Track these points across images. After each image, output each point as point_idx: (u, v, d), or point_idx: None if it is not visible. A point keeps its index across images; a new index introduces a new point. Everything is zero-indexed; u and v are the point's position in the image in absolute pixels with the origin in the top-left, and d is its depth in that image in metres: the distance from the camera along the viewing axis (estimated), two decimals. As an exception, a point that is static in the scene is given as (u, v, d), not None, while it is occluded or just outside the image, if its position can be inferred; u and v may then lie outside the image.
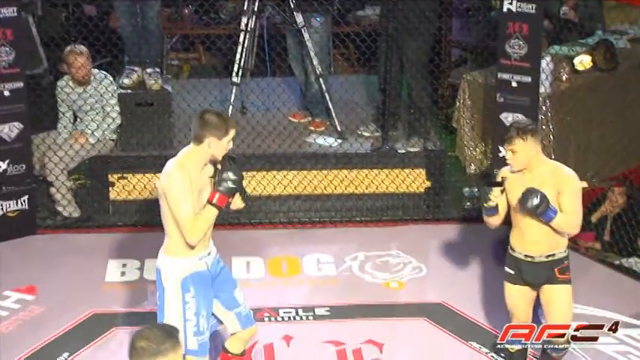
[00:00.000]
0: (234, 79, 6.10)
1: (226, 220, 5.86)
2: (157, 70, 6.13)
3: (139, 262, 5.45)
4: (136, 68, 6.10)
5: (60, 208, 5.90)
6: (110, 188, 5.93)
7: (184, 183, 3.64)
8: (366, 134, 6.27)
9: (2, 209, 5.67)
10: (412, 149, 6.11)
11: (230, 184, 3.70)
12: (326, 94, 6.20)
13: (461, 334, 4.79)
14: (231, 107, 6.05)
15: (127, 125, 5.98)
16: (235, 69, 6.10)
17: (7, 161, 5.61)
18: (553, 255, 4.09)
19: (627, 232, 5.85)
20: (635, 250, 5.81)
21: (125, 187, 5.94)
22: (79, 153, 5.86)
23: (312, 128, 6.37)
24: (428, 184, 6.07)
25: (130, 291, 5.19)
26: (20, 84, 5.59)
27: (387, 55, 5.95)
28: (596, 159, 6.41)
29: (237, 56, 6.09)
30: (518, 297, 4.20)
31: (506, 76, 5.77)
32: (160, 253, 3.82)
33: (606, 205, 6.07)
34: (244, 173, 3.86)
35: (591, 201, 6.25)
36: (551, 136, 6.05)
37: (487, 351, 4.63)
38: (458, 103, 6.66)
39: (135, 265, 5.45)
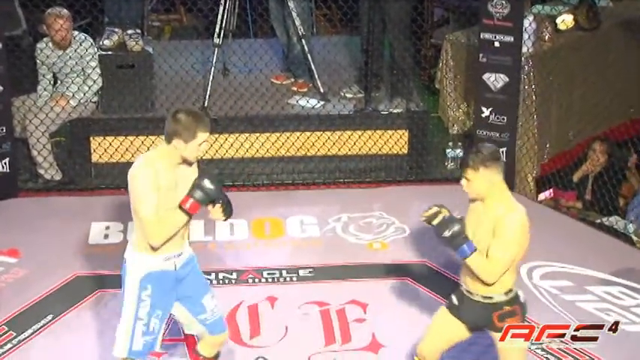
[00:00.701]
0: (216, 40, 6.05)
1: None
2: (138, 31, 6.07)
3: (122, 224, 5.44)
4: (117, 29, 6.04)
5: (41, 171, 5.87)
6: (92, 151, 5.90)
7: (148, 181, 3.44)
8: (349, 95, 6.25)
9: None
10: (395, 110, 6.11)
11: (203, 194, 3.49)
12: (308, 55, 6.17)
13: (444, 293, 4.80)
14: (212, 69, 6.01)
15: (108, 87, 5.93)
16: (217, 30, 6.04)
17: (-14, 124, 5.57)
18: (490, 297, 3.59)
19: (608, 191, 5.90)
20: (615, 208, 5.86)
21: (107, 150, 5.91)
22: (60, 115, 5.82)
23: (295, 89, 6.35)
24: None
25: (113, 253, 5.16)
26: (-1, 45, 5.53)
27: (369, 16, 5.92)
28: (579, 118, 6.43)
29: (219, 17, 6.03)
30: (445, 327, 3.75)
31: (488, 36, 5.75)
32: (129, 244, 3.66)
33: (587, 164, 6.11)
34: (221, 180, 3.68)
35: (573, 160, 6.30)
36: (533, 96, 6.06)
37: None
38: (440, 64, 6.65)
39: (118, 227, 5.44)
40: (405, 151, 6.10)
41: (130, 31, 6.01)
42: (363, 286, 4.92)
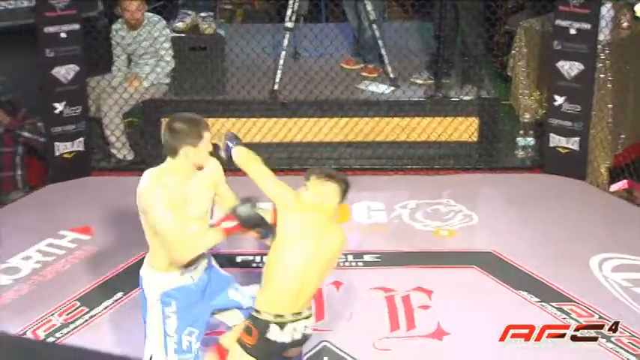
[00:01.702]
0: (288, 24, 6.06)
1: (277, 166, 5.88)
2: (211, 14, 6.12)
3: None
4: (190, 12, 6.10)
5: (114, 151, 5.98)
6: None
7: (160, 199, 3.30)
8: (419, 82, 6.20)
9: (58, 150, 5.75)
10: (465, 97, 6.04)
11: (242, 220, 3.35)
12: (379, 41, 6.14)
13: (511, 283, 4.77)
14: (283, 53, 6.03)
15: (180, 69, 6.00)
16: (289, 14, 6.06)
17: (63, 103, 5.68)
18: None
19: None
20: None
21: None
22: (133, 96, 5.91)
23: (365, 75, 6.33)
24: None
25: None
26: (76, 26, 5.62)
27: (442, 1, 5.86)
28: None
29: (291, 1, 6.05)
30: None
31: (564, 23, 5.64)
32: (145, 262, 3.51)
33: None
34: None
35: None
36: (609, 85, 5.92)
37: (537, 300, 4.61)
38: (513, 51, 6.55)
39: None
40: (475, 139, 6.04)
41: (202, 14, 6.07)
42: (428, 273, 4.89)
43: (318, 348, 4.27)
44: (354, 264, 4.99)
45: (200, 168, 3.45)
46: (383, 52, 6.16)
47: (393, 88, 6.12)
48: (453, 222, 5.41)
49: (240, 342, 3.46)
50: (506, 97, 6.59)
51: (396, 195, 5.70)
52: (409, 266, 4.96)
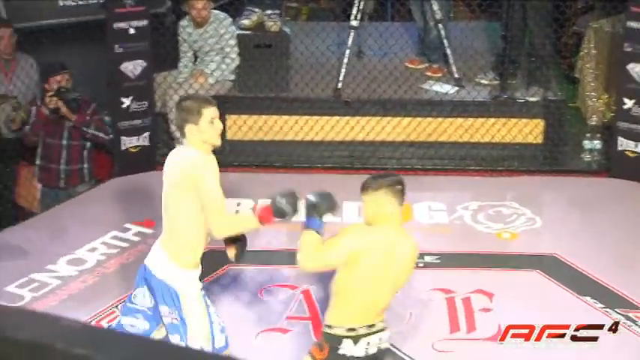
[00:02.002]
0: (353, 22, 6.06)
1: (339, 165, 5.90)
2: (277, 11, 6.15)
3: (253, 201, 5.55)
4: (256, 9, 6.14)
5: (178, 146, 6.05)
6: (227, 128, 6.04)
7: (214, 170, 3.42)
8: (484, 82, 6.14)
9: (124, 145, 5.85)
10: (531, 99, 5.96)
11: (282, 210, 3.41)
12: (444, 40, 6.10)
13: (575, 288, 4.69)
14: (347, 51, 6.03)
15: (245, 66, 6.05)
16: (354, 12, 6.05)
17: (130, 98, 5.77)
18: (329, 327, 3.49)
19: None
20: None
21: (241, 128, 6.04)
22: (198, 92, 5.97)
23: (429, 74, 6.29)
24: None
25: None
26: (145, 22, 5.69)
27: (510, 1, 5.79)
28: None
29: (357, 0, 6.04)
30: None
31: (636, 24, 5.52)
32: (165, 263, 3.53)
33: None
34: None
35: None
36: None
37: (602, 306, 4.53)
38: (582, 52, 6.44)
39: (249, 204, 5.54)
40: (540, 141, 5.95)
41: (268, 11, 6.10)
42: (490, 275, 4.84)
43: (376, 347, 4.26)
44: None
45: (215, 147, 3.49)
46: (448, 51, 6.11)
47: (457, 88, 6.07)
48: (516, 224, 5.34)
49: (312, 357, 3.39)
50: (573, 99, 6.48)
51: (458, 196, 5.65)
52: (470, 268, 4.92)
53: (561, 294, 4.64)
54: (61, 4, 6.59)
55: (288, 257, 4.92)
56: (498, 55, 6.10)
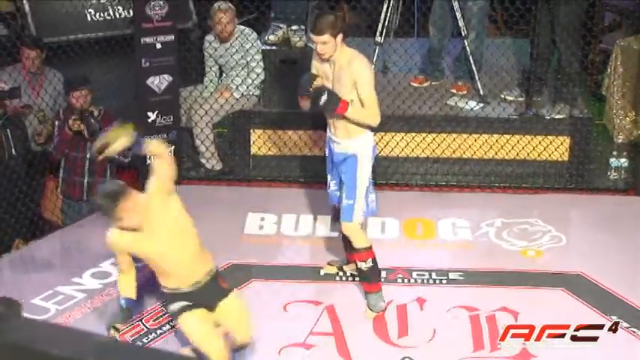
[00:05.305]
0: (378, 38, 6.06)
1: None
2: (302, 27, 6.17)
3: (277, 216, 5.55)
4: (282, 25, 6.17)
5: (203, 161, 6.08)
6: (252, 143, 6.05)
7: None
8: (510, 98, 6.12)
9: (149, 158, 5.86)
10: (557, 116, 5.93)
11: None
12: (470, 57, 6.08)
13: (600, 306, 4.65)
14: (373, 67, 6.02)
15: (270, 81, 6.07)
16: (379, 28, 6.06)
17: (155, 112, 5.80)
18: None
19: None
20: None
21: (266, 143, 6.05)
22: (224, 107, 6.00)
23: (454, 91, 6.28)
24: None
25: (267, 244, 5.30)
26: (171, 37, 5.73)
27: (537, 18, 5.77)
28: None
29: (382, 15, 6.05)
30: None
31: (663, 42, 5.49)
32: (345, 137, 4.37)
33: None
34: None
35: None
36: None
37: (628, 325, 4.48)
38: (609, 70, 6.40)
39: (272, 219, 5.55)
40: (566, 158, 5.92)
41: (294, 27, 6.13)
42: (514, 293, 4.80)
43: (400, 364, 4.25)
44: (437, 281, 4.94)
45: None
46: (473, 68, 6.10)
47: (482, 104, 6.05)
48: (541, 242, 5.31)
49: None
50: (599, 117, 6.44)
51: (483, 213, 5.63)
52: (494, 286, 4.88)
53: (587, 313, 4.60)
54: (89, 19, 6.65)
55: (312, 273, 4.94)
56: (524, 71, 6.08)
